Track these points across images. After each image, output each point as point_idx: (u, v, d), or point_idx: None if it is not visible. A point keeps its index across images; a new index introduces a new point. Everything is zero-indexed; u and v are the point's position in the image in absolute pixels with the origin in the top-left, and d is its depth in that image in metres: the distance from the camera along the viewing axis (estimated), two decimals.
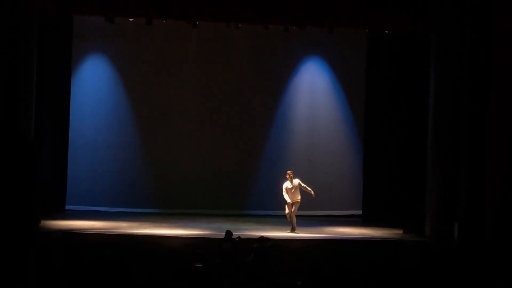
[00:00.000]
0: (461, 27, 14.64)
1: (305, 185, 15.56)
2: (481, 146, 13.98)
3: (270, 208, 17.66)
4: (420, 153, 15.83)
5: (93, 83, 18.21)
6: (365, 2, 15.26)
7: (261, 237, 13.19)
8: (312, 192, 15.52)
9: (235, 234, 13.37)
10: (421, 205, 15.51)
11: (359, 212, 18.44)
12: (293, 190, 15.43)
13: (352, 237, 15.31)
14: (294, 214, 15.46)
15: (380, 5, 15.28)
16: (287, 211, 15.48)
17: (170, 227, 15.59)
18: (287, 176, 15.54)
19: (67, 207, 17.67)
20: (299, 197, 15.51)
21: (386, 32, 16.48)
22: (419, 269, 13.63)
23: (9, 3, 14.03)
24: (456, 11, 14.72)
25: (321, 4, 15.25)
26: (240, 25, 16.38)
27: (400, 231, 15.86)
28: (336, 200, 18.63)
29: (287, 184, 15.50)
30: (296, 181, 15.51)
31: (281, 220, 16.01)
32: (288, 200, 15.39)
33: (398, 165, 17.38)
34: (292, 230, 15.33)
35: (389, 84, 17.82)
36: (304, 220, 16.55)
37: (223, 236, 13.24)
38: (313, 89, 18.80)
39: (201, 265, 11.93)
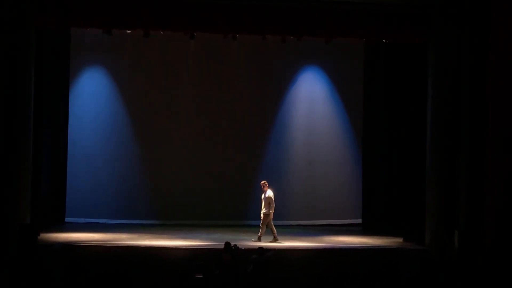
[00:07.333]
0: (459, 37, 14.65)
1: (270, 204, 15.52)
2: (481, 154, 13.98)
3: None
4: (419, 162, 15.82)
5: (91, 95, 18.21)
6: (363, 12, 15.29)
7: (261, 248, 13.17)
8: (262, 215, 15.54)
9: (233, 243, 13.34)
10: (421, 213, 15.49)
11: (359, 221, 18.43)
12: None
13: (352, 246, 15.27)
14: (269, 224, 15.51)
15: (378, 16, 15.31)
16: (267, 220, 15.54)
17: (170, 238, 15.56)
18: (262, 185, 15.66)
19: (66, 219, 17.68)
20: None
21: (384, 41, 16.50)
22: (420, 277, 13.61)
23: (7, 16, 14.05)
24: (454, 21, 14.74)
25: (319, 14, 15.28)
26: (237, 35, 16.41)
27: (400, 240, 15.86)
28: (335, 209, 18.61)
29: (269, 193, 15.60)
30: (269, 193, 15.56)
31: (281, 230, 15.99)
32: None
33: (397, 174, 17.36)
34: (259, 239, 15.33)
35: (387, 92, 17.83)
36: (304, 230, 16.54)
37: (223, 247, 13.21)
38: (311, 98, 18.82)
39: (201, 276, 11.91)
